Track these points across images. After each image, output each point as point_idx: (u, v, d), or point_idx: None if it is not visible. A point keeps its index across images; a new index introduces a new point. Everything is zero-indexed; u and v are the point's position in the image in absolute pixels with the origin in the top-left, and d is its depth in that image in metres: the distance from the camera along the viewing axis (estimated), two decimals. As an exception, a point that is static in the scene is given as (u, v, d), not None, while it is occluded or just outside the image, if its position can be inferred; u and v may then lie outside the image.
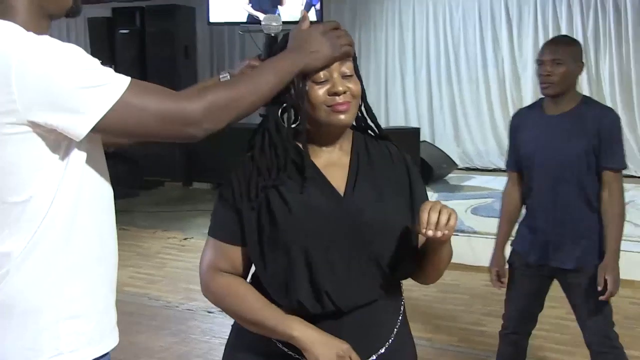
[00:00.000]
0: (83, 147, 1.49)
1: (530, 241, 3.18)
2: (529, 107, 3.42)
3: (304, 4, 8.78)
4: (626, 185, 3.25)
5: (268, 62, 1.63)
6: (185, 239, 7.38)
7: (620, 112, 9.15)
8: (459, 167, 9.65)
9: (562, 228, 3.12)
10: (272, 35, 1.75)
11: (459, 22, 9.99)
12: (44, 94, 1.37)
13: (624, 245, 3.16)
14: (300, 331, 1.63)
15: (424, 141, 8.70)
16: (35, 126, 1.40)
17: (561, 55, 3.08)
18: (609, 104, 9.12)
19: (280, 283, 1.67)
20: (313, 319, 1.67)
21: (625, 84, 9.42)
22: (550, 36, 9.17)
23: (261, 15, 8.59)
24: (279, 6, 8.81)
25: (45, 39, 1.43)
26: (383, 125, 7.63)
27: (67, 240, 1.51)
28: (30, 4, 1.52)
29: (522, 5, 9.74)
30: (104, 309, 1.66)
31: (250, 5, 8.96)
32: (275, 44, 1.73)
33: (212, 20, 9.18)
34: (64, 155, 1.47)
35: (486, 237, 5.38)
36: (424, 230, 1.57)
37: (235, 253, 1.71)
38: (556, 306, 4.76)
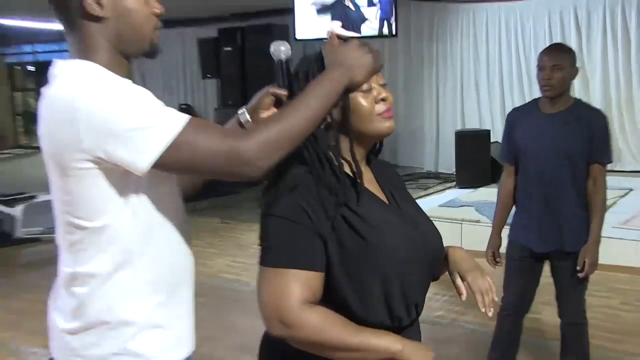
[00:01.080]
0: (151, 177, 1.48)
1: (524, 229, 3.32)
2: (524, 106, 3.56)
3: (378, 18, 8.83)
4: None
5: (313, 85, 1.49)
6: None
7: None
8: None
9: (555, 215, 3.26)
10: (283, 59, 1.70)
11: (530, 31, 9.85)
12: (107, 134, 1.38)
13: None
14: (404, 344, 1.48)
15: (495, 142, 8.70)
16: (103, 161, 1.42)
17: (560, 61, 3.21)
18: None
19: (378, 300, 1.52)
20: (395, 332, 1.54)
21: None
22: (620, 42, 9.08)
23: (345, 32, 8.77)
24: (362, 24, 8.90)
25: (114, 81, 1.46)
26: (459, 127, 8.00)
27: (143, 259, 1.54)
28: (109, 46, 1.53)
29: (591, 12, 9.47)
30: (181, 317, 1.67)
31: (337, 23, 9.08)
32: (286, 67, 1.70)
33: (298, 37, 9.38)
34: (134, 184, 1.49)
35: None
36: (486, 310, 1.59)
37: (318, 281, 1.48)
38: (611, 297, 4.81)
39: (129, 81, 1.48)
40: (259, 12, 10.90)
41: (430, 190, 8.84)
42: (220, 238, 7.69)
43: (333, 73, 1.49)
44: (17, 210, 7.47)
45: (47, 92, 1.48)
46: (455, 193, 8.33)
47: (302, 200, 1.47)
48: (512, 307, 3.42)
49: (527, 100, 9.84)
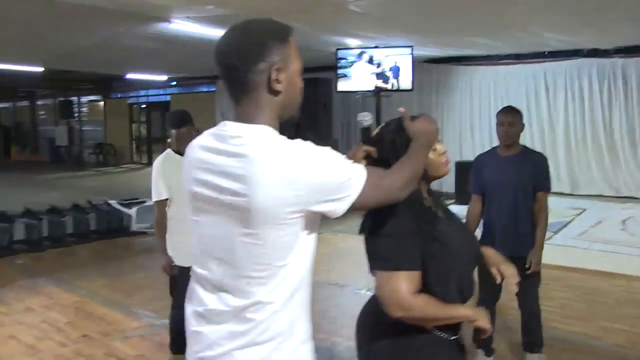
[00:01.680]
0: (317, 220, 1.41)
1: (490, 240, 3.29)
2: (488, 152, 3.63)
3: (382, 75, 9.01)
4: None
5: (415, 149, 1.55)
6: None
7: (628, 156, 8.90)
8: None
9: (514, 229, 3.34)
10: (365, 126, 1.71)
11: (512, 88, 9.90)
12: (324, 190, 1.31)
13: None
14: (473, 310, 1.68)
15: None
16: (311, 212, 1.33)
17: (513, 119, 3.36)
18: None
19: (453, 286, 1.66)
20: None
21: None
22: (577, 98, 9.06)
23: (379, 83, 8.93)
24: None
25: (310, 145, 1.35)
26: (458, 158, 8.06)
27: (304, 288, 1.41)
28: (275, 114, 1.40)
29: (556, 77, 9.54)
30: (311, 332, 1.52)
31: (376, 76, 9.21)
32: (369, 134, 1.71)
33: (339, 89, 9.57)
34: (312, 228, 1.38)
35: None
36: (512, 289, 1.82)
37: (419, 277, 1.62)
38: (566, 291, 4.81)
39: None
40: (309, 68, 10.98)
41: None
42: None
43: (421, 142, 1.57)
44: (133, 211, 7.75)
45: (241, 151, 1.32)
46: (454, 208, 8.27)
47: (404, 224, 1.62)
48: (484, 301, 3.31)
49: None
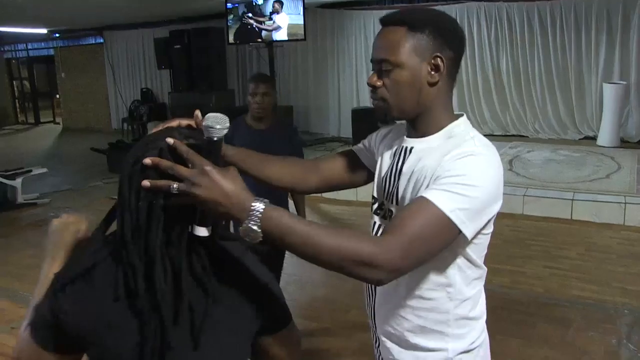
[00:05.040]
0: None
1: None
2: (235, 121, 3.14)
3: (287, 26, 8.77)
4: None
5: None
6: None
7: (515, 96, 9.28)
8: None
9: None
10: (214, 139, 1.07)
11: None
12: None
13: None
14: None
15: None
16: None
17: (267, 88, 3.14)
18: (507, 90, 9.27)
19: None
20: None
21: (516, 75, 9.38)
22: (468, 43, 9.25)
23: (270, 33, 8.65)
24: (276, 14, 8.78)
25: None
26: (354, 105, 7.99)
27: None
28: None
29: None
30: None
31: (249, 15, 8.82)
32: (217, 150, 1.09)
33: (230, 41, 9.25)
34: None
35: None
36: None
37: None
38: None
39: None
40: (202, 16, 10.69)
41: (335, 150, 8.88)
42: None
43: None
44: (18, 182, 7.26)
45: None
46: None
47: None
48: None
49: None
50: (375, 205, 1.52)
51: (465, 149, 1.29)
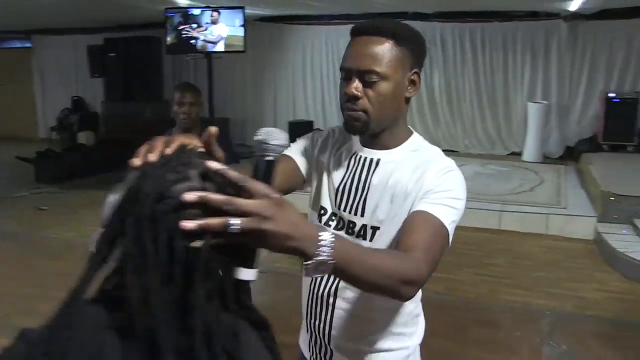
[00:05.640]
0: None
1: None
2: (167, 135, 3.31)
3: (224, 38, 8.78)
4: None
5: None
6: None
7: (446, 113, 9.65)
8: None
9: None
10: (271, 159, 1.01)
11: (343, 49, 10.12)
12: None
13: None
14: None
15: (317, 128, 8.91)
16: None
17: (194, 98, 3.09)
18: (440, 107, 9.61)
19: None
20: None
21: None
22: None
23: (211, 45, 8.62)
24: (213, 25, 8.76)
25: None
26: (291, 118, 8.00)
27: None
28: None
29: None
30: None
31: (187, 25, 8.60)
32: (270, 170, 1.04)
33: (168, 51, 9.10)
34: None
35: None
36: None
37: None
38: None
39: None
40: (139, 24, 10.43)
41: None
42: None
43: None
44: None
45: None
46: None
47: None
48: None
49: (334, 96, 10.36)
50: (326, 217, 1.47)
51: (444, 164, 1.36)
